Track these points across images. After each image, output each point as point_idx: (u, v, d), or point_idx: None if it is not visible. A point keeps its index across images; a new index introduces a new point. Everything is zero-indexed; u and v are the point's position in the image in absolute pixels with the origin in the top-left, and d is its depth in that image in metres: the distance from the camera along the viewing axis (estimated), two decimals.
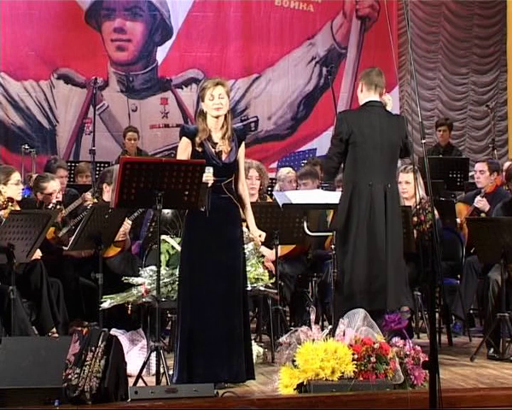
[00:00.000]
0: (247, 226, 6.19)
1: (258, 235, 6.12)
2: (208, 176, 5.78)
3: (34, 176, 8.95)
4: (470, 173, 10.30)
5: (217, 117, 5.93)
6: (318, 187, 8.75)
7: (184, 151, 5.96)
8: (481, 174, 8.84)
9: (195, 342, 5.81)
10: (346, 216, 6.34)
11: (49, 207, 7.23)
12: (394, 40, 12.24)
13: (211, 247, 5.87)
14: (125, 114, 12.83)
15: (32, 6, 12.49)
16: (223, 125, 5.97)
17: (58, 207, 7.34)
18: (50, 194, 7.62)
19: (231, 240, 5.94)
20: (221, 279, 5.85)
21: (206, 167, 5.79)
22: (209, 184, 5.79)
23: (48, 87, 12.57)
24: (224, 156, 5.94)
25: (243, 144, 6.09)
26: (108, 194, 7.86)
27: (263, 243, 7.07)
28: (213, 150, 5.93)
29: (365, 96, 6.53)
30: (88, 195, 8.29)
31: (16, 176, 7.24)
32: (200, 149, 5.92)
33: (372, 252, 6.28)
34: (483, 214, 8.43)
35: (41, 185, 7.68)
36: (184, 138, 5.96)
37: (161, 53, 13.02)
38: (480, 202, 8.49)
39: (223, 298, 5.84)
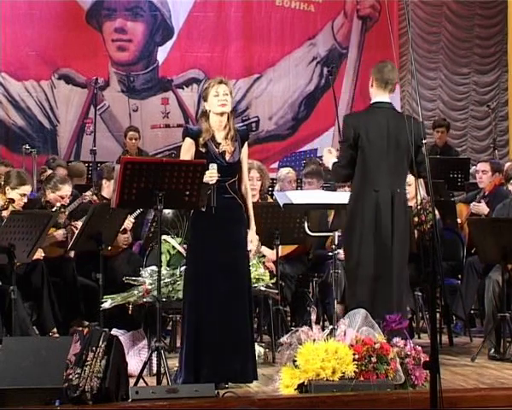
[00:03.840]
0: None
1: (250, 240, 6.06)
2: (213, 173, 5.78)
3: (49, 172, 8.90)
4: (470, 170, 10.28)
5: (221, 114, 5.92)
6: (322, 187, 8.77)
7: (188, 152, 5.95)
8: (484, 174, 8.83)
9: (201, 342, 5.81)
10: (350, 224, 6.25)
11: (54, 209, 7.21)
12: (395, 40, 12.24)
13: (216, 247, 5.87)
14: (125, 114, 12.83)
15: (32, 6, 12.50)
16: (225, 126, 5.98)
17: (61, 209, 7.33)
18: (61, 197, 7.60)
19: (236, 240, 5.93)
20: (226, 279, 5.85)
21: (211, 164, 5.80)
22: (213, 181, 5.79)
23: (49, 87, 12.58)
24: (227, 156, 5.94)
25: (246, 145, 6.09)
26: (108, 189, 7.87)
27: (267, 245, 7.12)
28: (217, 150, 5.93)
29: (375, 93, 6.36)
30: (87, 194, 8.29)
31: (26, 189, 7.25)
32: (203, 150, 5.91)
33: (378, 261, 6.18)
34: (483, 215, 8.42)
35: (53, 184, 7.65)
36: (188, 139, 5.96)
37: (162, 53, 13.03)
38: (476, 207, 8.45)
39: (228, 298, 5.84)
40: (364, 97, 13.20)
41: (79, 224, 7.33)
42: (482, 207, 8.41)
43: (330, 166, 6.55)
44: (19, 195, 7.20)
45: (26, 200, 7.28)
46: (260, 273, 6.87)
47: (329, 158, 6.55)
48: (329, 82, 10.21)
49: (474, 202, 8.53)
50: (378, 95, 6.36)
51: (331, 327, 5.93)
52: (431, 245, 4.72)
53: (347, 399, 5.40)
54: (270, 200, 8.15)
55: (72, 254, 7.59)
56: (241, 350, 5.85)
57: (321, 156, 12.38)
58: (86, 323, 7.37)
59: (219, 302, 5.82)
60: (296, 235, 7.43)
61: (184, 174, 5.69)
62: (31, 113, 12.53)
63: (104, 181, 7.95)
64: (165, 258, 6.67)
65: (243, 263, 5.95)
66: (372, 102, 6.42)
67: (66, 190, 7.68)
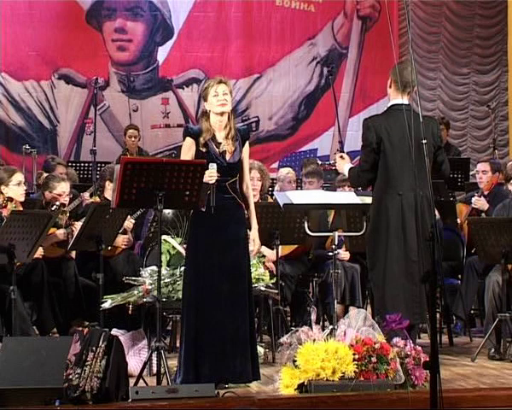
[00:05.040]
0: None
1: (252, 239, 6.08)
2: (212, 172, 5.78)
3: (45, 174, 8.90)
4: (471, 172, 10.28)
5: (221, 114, 5.92)
6: (322, 187, 8.78)
7: (188, 151, 5.95)
8: (484, 174, 8.82)
9: (201, 342, 5.80)
10: (375, 228, 6.24)
11: (53, 208, 7.20)
12: (395, 40, 12.24)
13: (216, 247, 5.86)
14: (125, 114, 12.84)
15: (32, 6, 12.52)
16: (226, 125, 5.98)
17: (61, 208, 7.32)
18: (59, 195, 7.60)
19: (236, 240, 5.93)
20: (226, 279, 5.85)
21: (210, 164, 5.80)
22: (213, 181, 5.79)
23: (49, 87, 12.60)
24: (228, 156, 5.94)
25: (247, 144, 6.08)
26: (110, 191, 7.85)
27: (267, 245, 7.08)
28: (217, 150, 5.93)
29: (393, 95, 6.34)
30: (86, 194, 8.29)
31: (18, 177, 7.22)
32: (204, 150, 5.91)
33: (405, 264, 6.19)
34: (483, 214, 8.41)
35: (51, 184, 7.66)
36: (188, 138, 5.96)
37: (162, 53, 13.04)
38: (478, 202, 8.45)
39: (228, 298, 5.83)
40: (364, 97, 13.31)
41: (79, 224, 7.33)
42: (483, 202, 8.40)
43: (346, 173, 6.50)
44: (15, 186, 7.18)
45: (24, 187, 7.28)
46: (260, 273, 6.87)
47: (343, 164, 6.50)
48: (329, 82, 10.22)
49: (475, 197, 8.51)
50: (396, 97, 6.33)
51: (331, 327, 5.92)
52: (431, 245, 4.71)
53: (347, 399, 5.40)
54: (270, 200, 8.16)
55: (73, 254, 7.59)
56: (240, 350, 5.84)
57: (320, 156, 12.46)
58: (86, 323, 7.37)
59: (219, 302, 5.82)
60: (296, 235, 7.43)
61: (184, 174, 5.69)
62: (31, 113, 12.54)
63: (107, 183, 7.94)
64: (165, 258, 6.67)
65: (243, 263, 5.94)
66: (390, 104, 6.39)
67: (63, 187, 7.66)
